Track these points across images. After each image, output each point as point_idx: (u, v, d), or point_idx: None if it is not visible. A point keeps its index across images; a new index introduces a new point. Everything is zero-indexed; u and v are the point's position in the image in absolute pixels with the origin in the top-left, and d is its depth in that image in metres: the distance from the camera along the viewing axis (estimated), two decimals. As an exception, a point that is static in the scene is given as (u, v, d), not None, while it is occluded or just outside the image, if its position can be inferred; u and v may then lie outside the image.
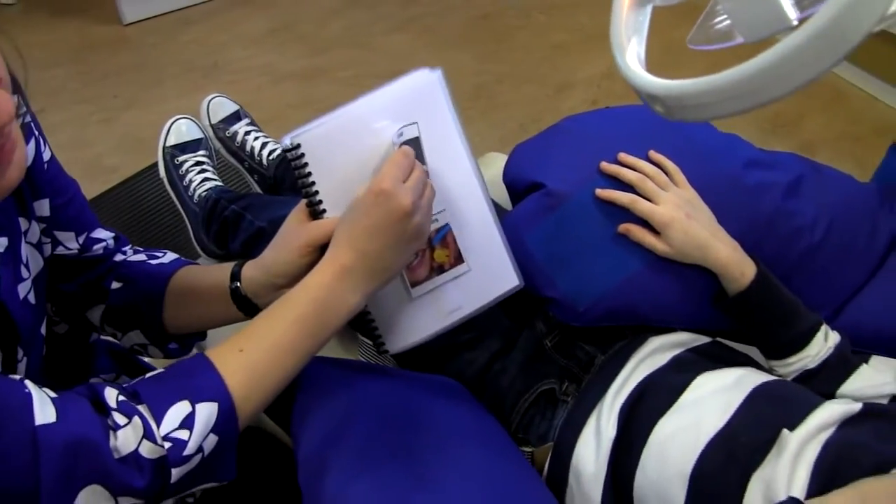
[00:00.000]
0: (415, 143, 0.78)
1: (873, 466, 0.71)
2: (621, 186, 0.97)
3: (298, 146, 0.75)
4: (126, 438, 0.60)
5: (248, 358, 0.68)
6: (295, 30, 2.86)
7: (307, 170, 0.76)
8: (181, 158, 1.50)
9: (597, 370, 0.96)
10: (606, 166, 0.98)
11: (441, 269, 0.84)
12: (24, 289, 0.71)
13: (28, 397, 0.57)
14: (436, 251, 0.82)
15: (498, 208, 1.00)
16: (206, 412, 0.64)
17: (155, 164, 2.15)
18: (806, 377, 0.92)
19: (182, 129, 1.53)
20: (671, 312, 0.98)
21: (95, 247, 0.86)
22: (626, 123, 1.05)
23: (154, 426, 0.61)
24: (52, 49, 2.69)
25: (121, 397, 0.62)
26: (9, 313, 0.67)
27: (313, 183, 0.76)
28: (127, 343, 0.90)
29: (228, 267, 0.83)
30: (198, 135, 1.54)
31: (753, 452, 0.78)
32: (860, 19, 0.33)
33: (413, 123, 0.77)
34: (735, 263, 0.92)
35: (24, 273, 0.72)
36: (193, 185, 1.45)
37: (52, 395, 0.60)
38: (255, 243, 1.23)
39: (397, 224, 0.71)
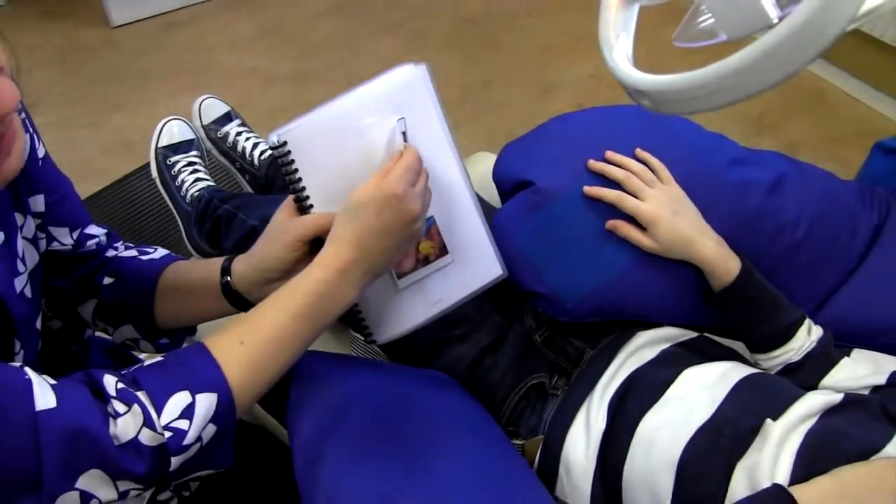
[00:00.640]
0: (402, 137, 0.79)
1: (854, 454, 0.74)
2: (609, 184, 0.98)
3: (285, 143, 0.75)
4: (126, 426, 0.61)
5: (248, 350, 0.69)
6: (283, 33, 2.86)
7: (294, 166, 0.76)
8: (173, 159, 1.50)
9: (586, 364, 0.97)
10: (594, 164, 0.99)
11: (426, 261, 0.85)
12: (20, 282, 0.72)
13: (28, 383, 0.58)
14: (421, 243, 0.83)
15: (487, 206, 1.01)
16: (206, 403, 0.65)
17: (145, 166, 2.16)
18: (790, 370, 0.94)
19: (174, 130, 1.53)
20: (658, 307, 1.00)
21: (89, 243, 0.87)
22: (612, 123, 1.07)
23: (154, 414, 0.62)
24: (39, 51, 2.69)
25: (120, 385, 0.63)
26: (6, 307, 0.68)
27: (300, 179, 0.77)
28: (118, 338, 0.90)
29: (218, 262, 0.84)
30: (189, 135, 1.55)
31: (738, 442, 0.80)
32: (834, 18, 0.35)
33: (402, 118, 0.78)
34: (720, 259, 0.94)
35: (21, 267, 0.73)
36: (186, 185, 1.46)
37: (52, 381, 0.61)
38: (248, 242, 1.23)
39: (404, 227, 0.72)
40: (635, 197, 0.96)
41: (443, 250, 0.84)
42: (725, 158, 1.04)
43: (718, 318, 1.00)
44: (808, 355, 0.93)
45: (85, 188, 2.10)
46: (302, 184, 0.77)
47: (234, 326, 0.71)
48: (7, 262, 0.70)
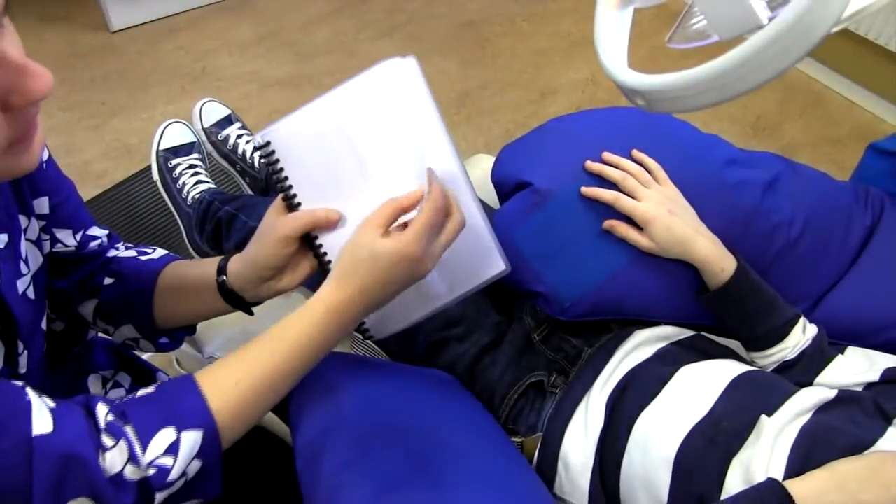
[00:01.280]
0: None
1: (847, 448, 0.75)
2: (606, 184, 0.99)
3: (268, 143, 0.76)
4: (113, 460, 0.62)
5: (241, 390, 0.69)
6: (281, 37, 2.87)
7: (279, 165, 0.76)
8: (174, 161, 1.51)
9: (584, 363, 0.98)
10: (591, 165, 1.00)
11: None
12: (22, 284, 0.72)
13: (28, 406, 0.59)
14: None
15: (486, 207, 1.02)
16: (191, 440, 0.65)
17: (146, 169, 2.17)
18: (785, 368, 0.95)
19: (175, 133, 1.54)
20: (655, 306, 1.01)
21: (91, 244, 0.88)
22: (609, 124, 1.08)
23: (139, 451, 0.63)
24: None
25: (109, 416, 0.64)
26: (8, 308, 0.69)
27: (286, 178, 0.77)
28: (119, 338, 0.91)
29: (215, 261, 0.84)
30: (190, 138, 1.56)
31: (734, 437, 0.81)
32: (820, 19, 0.37)
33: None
34: (716, 258, 0.95)
35: (24, 269, 0.73)
36: (187, 187, 1.47)
37: (51, 404, 0.62)
38: (249, 243, 1.25)
39: (412, 281, 0.72)
40: (632, 197, 0.97)
41: None
42: (721, 159, 1.05)
43: (714, 316, 1.01)
44: (802, 353, 0.94)
45: (85, 191, 2.10)
46: (288, 182, 0.77)
47: (227, 363, 0.71)
48: (10, 264, 0.71)
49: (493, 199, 1.15)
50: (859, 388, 0.88)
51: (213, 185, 1.50)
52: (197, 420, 0.66)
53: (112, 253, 0.90)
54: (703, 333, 1.02)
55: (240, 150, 1.54)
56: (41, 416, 0.60)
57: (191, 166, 1.51)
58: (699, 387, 0.88)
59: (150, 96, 2.56)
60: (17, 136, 0.55)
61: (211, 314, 0.87)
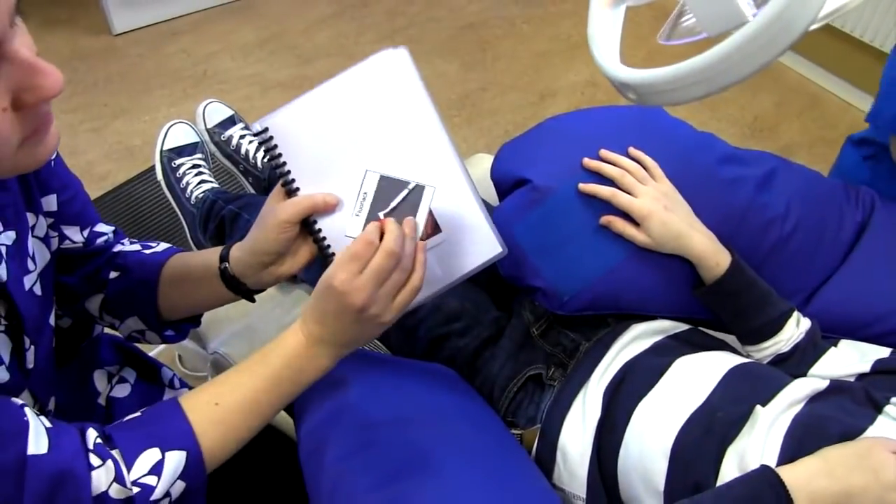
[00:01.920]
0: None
1: (838, 436, 0.76)
2: (603, 181, 1.01)
3: (266, 130, 0.77)
4: (98, 479, 0.64)
5: (222, 411, 0.72)
6: (283, 40, 2.90)
7: (277, 151, 0.78)
8: (178, 161, 1.53)
9: (582, 356, 1.00)
10: (588, 162, 1.02)
11: None
12: (29, 280, 0.74)
13: (25, 426, 0.62)
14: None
15: (486, 205, 1.03)
16: (175, 460, 0.68)
17: (148, 170, 2.19)
18: (779, 360, 0.97)
19: (179, 133, 1.56)
20: (651, 300, 1.03)
21: (98, 240, 0.90)
22: (606, 122, 1.10)
23: (125, 471, 0.66)
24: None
25: (98, 440, 0.66)
26: (15, 304, 0.70)
27: (284, 164, 0.79)
28: (125, 331, 0.93)
29: (217, 250, 0.86)
30: (194, 139, 1.57)
31: (729, 427, 0.83)
32: (797, 17, 0.39)
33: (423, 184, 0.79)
34: (711, 253, 0.97)
35: (31, 266, 0.75)
36: (190, 187, 1.49)
37: (48, 425, 0.64)
38: (252, 241, 1.26)
39: (352, 315, 0.72)
40: (629, 194, 0.99)
41: (435, 228, 0.83)
42: (716, 156, 1.07)
43: (709, 310, 1.02)
44: (796, 346, 0.96)
45: (89, 192, 2.12)
46: (287, 167, 0.79)
47: (210, 387, 0.73)
48: (17, 261, 0.73)
49: (492, 196, 1.17)
50: (851, 379, 0.90)
51: (217, 185, 1.52)
52: (181, 441, 0.69)
53: (117, 248, 0.92)
54: (698, 328, 1.04)
55: (242, 151, 1.55)
56: (38, 437, 0.62)
57: (194, 166, 1.53)
58: (695, 378, 0.90)
59: (152, 99, 2.58)
60: (30, 133, 0.56)
61: (214, 303, 0.89)
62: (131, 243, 0.94)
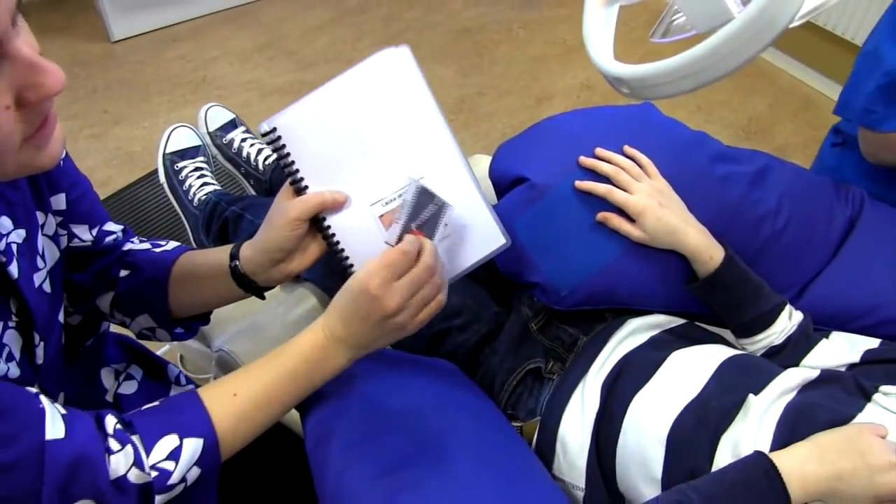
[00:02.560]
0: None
1: (828, 423, 0.79)
2: (599, 178, 1.03)
3: (275, 129, 0.79)
4: (117, 463, 0.66)
5: (239, 401, 0.74)
6: (281, 46, 2.92)
7: (286, 150, 0.80)
8: (181, 164, 1.55)
9: (580, 350, 1.02)
10: (584, 160, 1.04)
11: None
12: (38, 278, 0.75)
13: (41, 412, 0.63)
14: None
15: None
16: (192, 447, 0.70)
17: (150, 174, 2.21)
18: (772, 353, 0.99)
19: (181, 137, 1.58)
20: (647, 295, 1.05)
21: (107, 239, 0.91)
22: (602, 122, 1.12)
23: (144, 455, 0.68)
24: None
25: (118, 426, 0.69)
26: (25, 301, 0.72)
27: (293, 162, 0.80)
28: (136, 328, 0.94)
29: (227, 248, 0.88)
30: (196, 142, 1.59)
31: (723, 415, 0.85)
32: (779, 15, 0.41)
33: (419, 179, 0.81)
34: (704, 247, 0.99)
35: (40, 264, 0.76)
36: (193, 189, 1.51)
37: (63, 411, 0.66)
38: (256, 241, 1.28)
39: (380, 320, 0.75)
40: (624, 190, 1.01)
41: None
42: (709, 154, 1.09)
43: (704, 304, 1.05)
44: (788, 339, 0.98)
45: (91, 197, 2.14)
46: (295, 166, 0.81)
47: (229, 379, 0.76)
48: (27, 259, 0.74)
49: (490, 195, 1.19)
50: (842, 369, 0.92)
51: (219, 187, 1.53)
52: (199, 428, 0.71)
53: (127, 246, 0.93)
54: (694, 322, 1.06)
55: (244, 154, 1.57)
56: (54, 423, 0.64)
57: (196, 169, 1.54)
58: (690, 370, 0.92)
59: (151, 105, 2.60)
60: (33, 132, 0.58)
61: (224, 300, 0.91)
62: (141, 242, 0.95)
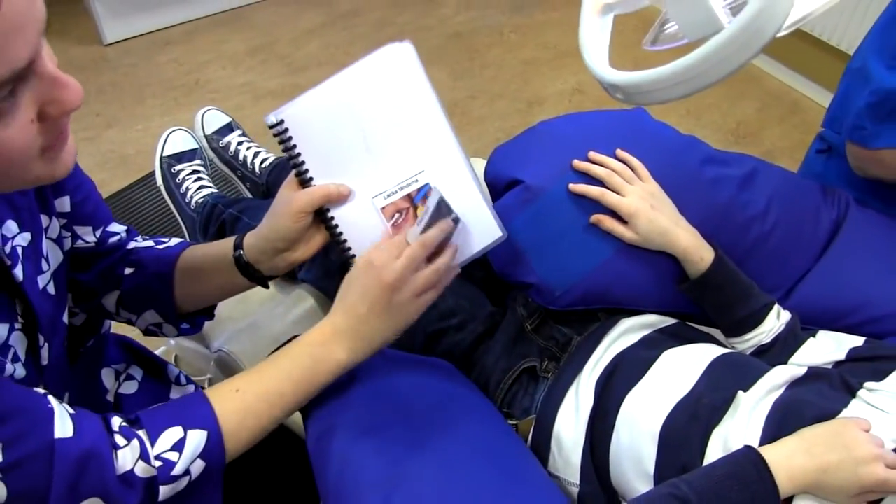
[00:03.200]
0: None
1: (814, 418, 0.81)
2: (592, 181, 1.05)
3: (282, 121, 0.81)
4: (124, 458, 0.68)
5: (243, 397, 0.76)
6: (273, 49, 2.93)
7: (292, 142, 0.82)
8: (178, 167, 1.56)
9: (574, 349, 1.04)
10: (578, 163, 1.06)
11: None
12: (42, 280, 0.77)
13: (50, 412, 0.65)
14: (418, 209, 0.87)
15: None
16: (196, 439, 0.72)
17: (146, 177, 2.22)
18: (761, 351, 1.01)
19: (178, 140, 1.59)
20: (640, 295, 1.07)
21: (111, 240, 0.92)
22: (595, 126, 1.14)
23: (149, 448, 0.70)
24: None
25: (123, 423, 0.70)
26: (30, 303, 0.73)
27: (299, 154, 0.82)
28: (142, 324, 0.95)
29: (230, 240, 0.89)
30: (193, 145, 1.61)
31: (713, 412, 0.87)
32: (766, 26, 0.43)
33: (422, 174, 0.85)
34: (695, 249, 1.01)
35: (45, 266, 0.78)
36: (190, 192, 1.52)
37: (71, 411, 0.68)
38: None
39: (382, 294, 0.78)
40: (617, 193, 1.03)
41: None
42: (699, 157, 1.11)
43: (694, 304, 1.07)
44: (777, 337, 1.01)
45: (86, 200, 2.14)
46: (301, 158, 0.83)
47: (235, 378, 0.78)
48: (32, 262, 0.75)
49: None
50: (829, 366, 0.94)
51: (216, 190, 1.55)
52: (203, 422, 0.73)
53: (131, 245, 0.95)
54: (685, 322, 1.09)
55: (240, 157, 1.59)
56: (63, 422, 0.65)
57: (193, 172, 1.56)
58: (682, 368, 0.94)
59: (144, 108, 2.60)
60: (49, 144, 0.59)
61: (229, 291, 0.92)
62: (144, 240, 0.97)
